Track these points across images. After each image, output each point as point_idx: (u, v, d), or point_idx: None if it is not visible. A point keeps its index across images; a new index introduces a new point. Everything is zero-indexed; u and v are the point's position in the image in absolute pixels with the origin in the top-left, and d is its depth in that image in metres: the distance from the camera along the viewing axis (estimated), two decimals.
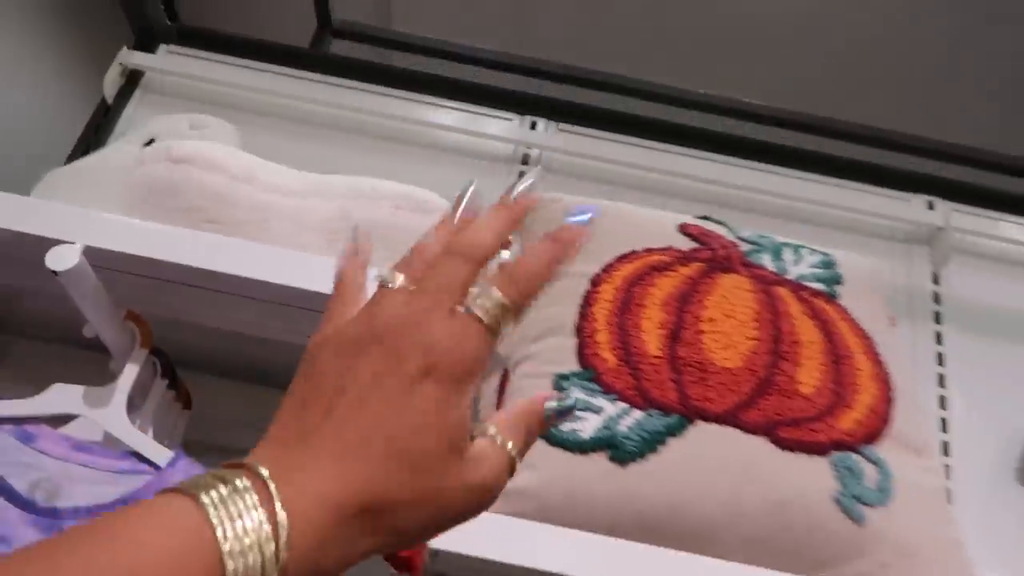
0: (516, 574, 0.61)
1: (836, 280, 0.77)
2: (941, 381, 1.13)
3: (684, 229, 0.79)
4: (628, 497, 0.61)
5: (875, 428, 0.66)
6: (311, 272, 0.65)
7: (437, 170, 1.20)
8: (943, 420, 1.11)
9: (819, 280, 0.77)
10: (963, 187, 1.28)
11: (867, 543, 0.61)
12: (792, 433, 0.64)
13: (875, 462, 0.64)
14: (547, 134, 1.24)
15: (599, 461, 0.61)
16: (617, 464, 0.61)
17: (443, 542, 0.61)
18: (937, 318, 1.18)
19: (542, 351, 0.69)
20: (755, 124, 1.29)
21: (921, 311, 1.18)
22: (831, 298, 0.75)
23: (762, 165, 1.25)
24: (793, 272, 0.77)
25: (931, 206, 1.25)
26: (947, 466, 1.06)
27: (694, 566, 0.59)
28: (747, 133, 1.29)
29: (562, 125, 1.26)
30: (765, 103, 1.35)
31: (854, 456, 0.64)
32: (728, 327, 0.69)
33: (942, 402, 1.12)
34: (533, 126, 1.25)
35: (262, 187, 0.77)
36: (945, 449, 1.08)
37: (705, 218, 0.84)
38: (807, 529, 0.61)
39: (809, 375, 0.67)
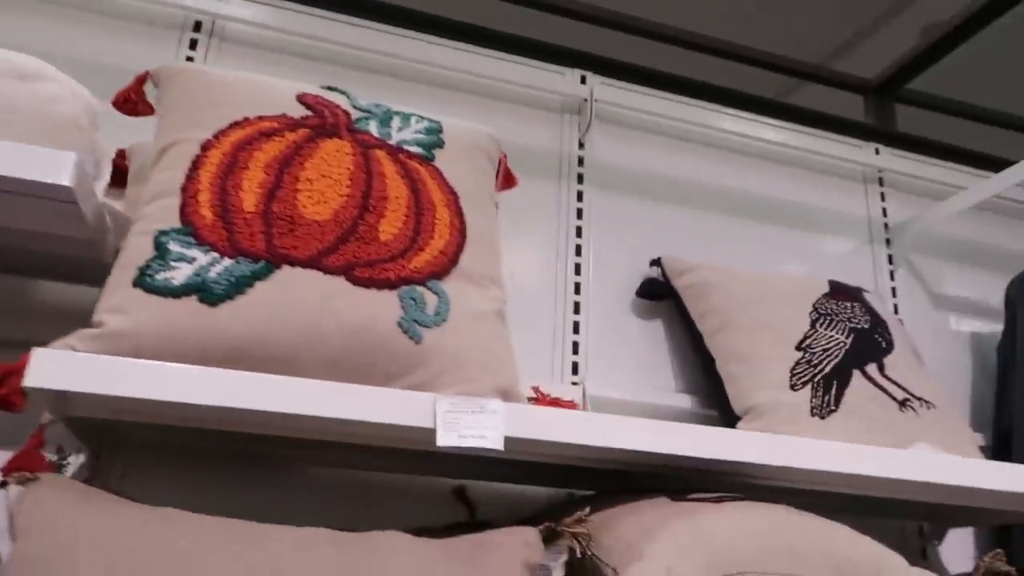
0: (143, 406, 0.70)
1: (437, 144, 0.90)
2: (579, 232, 1.32)
3: (301, 98, 0.87)
4: (218, 332, 0.71)
5: (442, 267, 0.81)
6: None
7: None
8: (577, 264, 1.31)
9: (419, 144, 0.89)
10: (611, 63, 1.45)
11: (425, 357, 0.76)
12: (366, 272, 0.76)
13: (437, 293, 0.79)
14: None
15: (189, 303, 0.71)
16: (207, 305, 0.71)
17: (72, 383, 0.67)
18: (580, 179, 1.36)
19: (152, 212, 0.76)
20: None
21: (567, 173, 1.36)
22: (427, 160, 0.88)
23: (436, 38, 1.35)
24: (396, 138, 0.88)
25: (584, 80, 1.41)
26: (577, 303, 1.27)
27: (283, 385, 0.71)
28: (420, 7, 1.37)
29: None
30: None
31: (419, 288, 0.78)
32: (323, 186, 0.79)
33: (578, 250, 1.31)
34: None
35: None
36: (577, 288, 1.29)
37: (330, 88, 0.92)
38: (376, 348, 0.75)
39: (391, 225, 0.80)
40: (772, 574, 0.73)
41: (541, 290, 1.27)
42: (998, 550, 0.79)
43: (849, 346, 1.15)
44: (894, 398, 1.12)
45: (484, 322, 0.81)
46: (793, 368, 1.10)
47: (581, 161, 1.37)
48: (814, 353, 1.12)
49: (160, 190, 0.77)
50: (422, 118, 0.93)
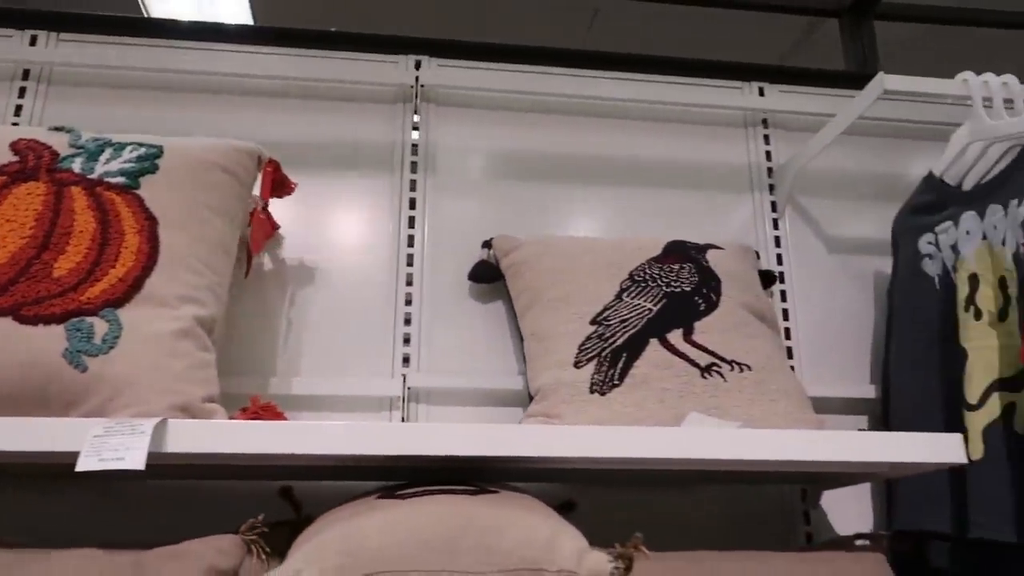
0: None
1: (146, 171, 0.93)
2: (412, 222, 1.32)
3: (13, 145, 0.93)
4: None
5: (120, 293, 0.84)
6: None
7: None
8: (410, 255, 1.31)
9: (123, 174, 0.92)
10: (447, 44, 1.43)
11: (92, 383, 0.81)
12: (32, 310, 0.81)
13: (109, 321, 0.83)
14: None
15: None
16: None
17: None
18: (414, 167, 1.36)
19: None
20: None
21: (399, 163, 1.36)
22: (128, 189, 0.91)
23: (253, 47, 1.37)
24: (99, 171, 0.92)
25: (418, 65, 1.40)
26: (408, 295, 1.27)
27: None
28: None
29: None
30: None
31: (88, 319, 0.82)
32: (5, 231, 0.85)
33: (411, 240, 1.32)
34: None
35: None
36: (408, 280, 1.29)
37: (57, 128, 0.97)
38: (46, 381, 0.80)
39: (68, 260, 0.84)
40: (414, 571, 0.73)
41: (373, 284, 1.28)
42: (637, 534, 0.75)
43: (655, 313, 1.10)
44: (696, 364, 1.06)
45: (161, 343, 0.84)
46: (582, 344, 1.07)
47: (415, 149, 1.36)
48: (608, 326, 1.08)
49: None
50: (141, 145, 0.97)
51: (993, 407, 1.04)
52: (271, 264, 1.28)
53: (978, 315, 1.08)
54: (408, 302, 1.28)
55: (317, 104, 1.36)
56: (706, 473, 1.14)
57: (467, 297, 1.30)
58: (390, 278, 1.29)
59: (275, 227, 1.26)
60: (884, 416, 1.24)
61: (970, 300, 1.10)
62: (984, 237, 1.10)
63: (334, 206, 1.31)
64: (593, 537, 0.80)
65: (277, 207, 1.26)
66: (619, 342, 1.06)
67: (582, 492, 1.15)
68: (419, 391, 1.23)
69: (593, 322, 1.09)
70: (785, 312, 1.36)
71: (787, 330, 1.35)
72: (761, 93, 1.48)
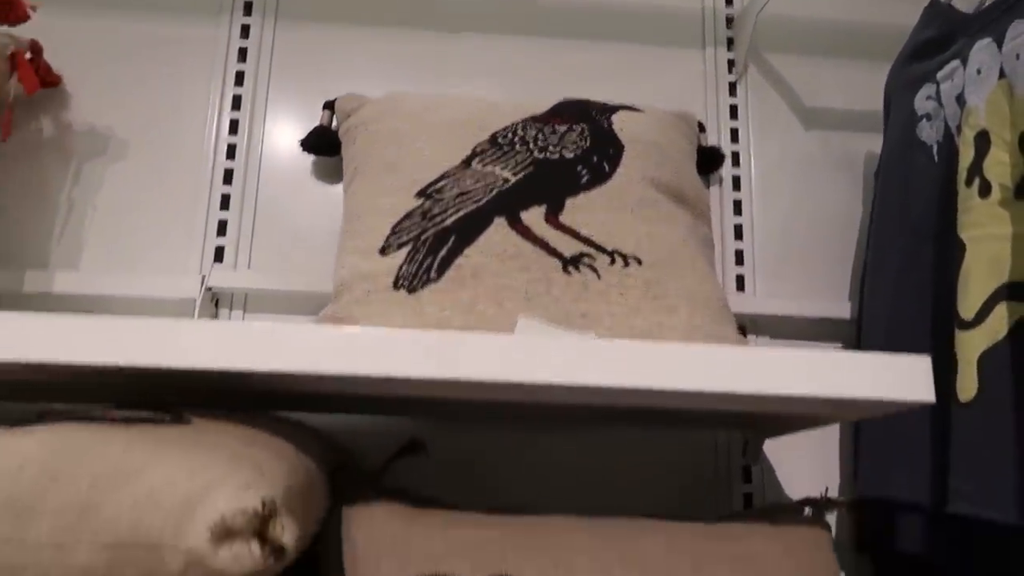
0: None
1: None
2: (239, 79, 1.02)
3: None
4: None
5: None
6: None
7: None
8: (234, 121, 1.01)
9: None
10: None
11: None
12: None
13: None
14: None
15: None
16: None
17: None
18: (248, 8, 1.05)
19: None
20: None
21: (228, 1, 1.05)
22: None
23: None
24: None
25: None
26: (229, 170, 0.98)
27: None
28: None
29: None
30: None
31: None
32: None
33: (236, 102, 1.01)
34: None
35: None
36: (231, 152, 1.00)
37: None
38: None
39: None
40: None
41: (183, 157, 0.98)
42: None
43: (511, 185, 0.77)
44: (557, 254, 0.74)
45: None
46: (398, 223, 0.76)
47: None
48: (439, 200, 0.76)
49: None
50: None
51: (997, 324, 0.69)
52: (52, 129, 0.99)
53: (985, 190, 0.73)
54: (228, 180, 0.98)
55: None
56: (596, 410, 0.84)
57: (308, 176, 1.00)
58: (206, 149, 0.99)
59: (53, 81, 0.97)
60: (856, 340, 0.90)
61: (975, 169, 0.74)
62: (1002, 75, 0.74)
63: (139, 56, 1.01)
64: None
65: (59, 52, 0.97)
66: (447, 222, 0.75)
67: (441, 430, 0.87)
68: (232, 294, 0.94)
69: (421, 195, 0.77)
70: (737, 205, 1.02)
71: (738, 228, 1.01)
72: None
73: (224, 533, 0.45)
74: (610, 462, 0.92)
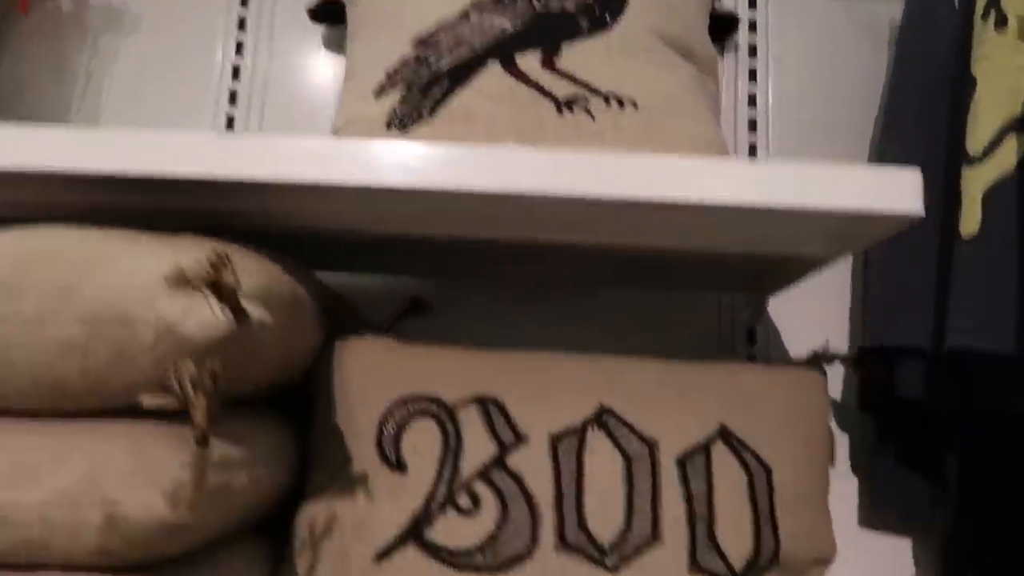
0: None
1: None
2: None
3: None
4: None
5: None
6: None
7: None
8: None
9: None
10: None
11: None
12: None
13: None
14: None
15: None
16: None
17: None
18: None
19: None
20: None
21: None
22: None
23: None
24: None
25: None
26: (242, 41, 0.99)
27: None
28: None
29: None
30: None
31: None
32: None
33: None
34: None
35: None
36: (241, 23, 1.01)
37: None
38: None
39: None
40: None
41: (194, 26, 1.00)
42: None
43: (508, 32, 0.76)
44: (551, 96, 0.73)
45: None
46: (394, 69, 0.75)
47: None
48: (436, 46, 0.76)
49: None
50: None
51: (1006, 156, 0.66)
52: (69, 4, 1.01)
53: (1001, 22, 0.70)
54: (239, 50, 0.99)
55: None
56: (601, 268, 0.84)
57: (318, 46, 1.00)
58: (216, 19, 1.00)
59: None
60: None
61: (992, 2, 0.71)
62: None
63: None
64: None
65: None
66: (442, 66, 0.74)
67: (445, 292, 0.88)
68: None
69: (417, 43, 0.77)
70: (752, 73, 0.99)
71: (752, 97, 0.98)
72: None
73: (178, 279, 0.46)
74: (614, 326, 0.92)
